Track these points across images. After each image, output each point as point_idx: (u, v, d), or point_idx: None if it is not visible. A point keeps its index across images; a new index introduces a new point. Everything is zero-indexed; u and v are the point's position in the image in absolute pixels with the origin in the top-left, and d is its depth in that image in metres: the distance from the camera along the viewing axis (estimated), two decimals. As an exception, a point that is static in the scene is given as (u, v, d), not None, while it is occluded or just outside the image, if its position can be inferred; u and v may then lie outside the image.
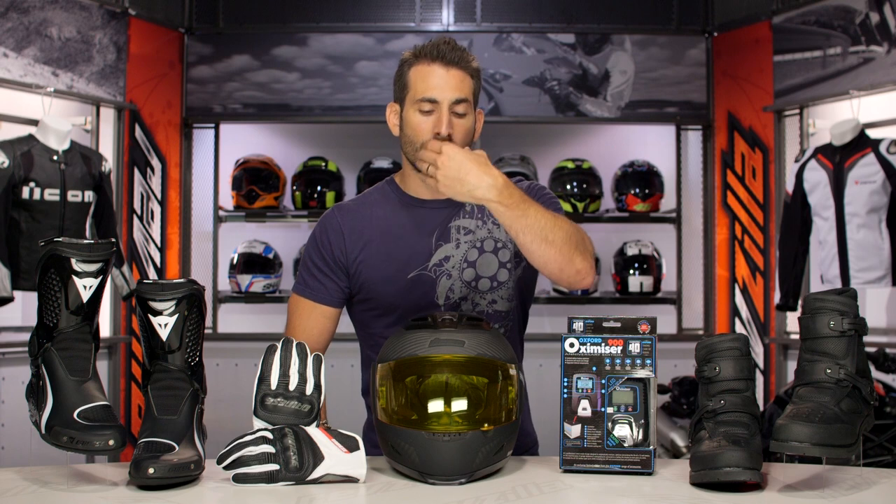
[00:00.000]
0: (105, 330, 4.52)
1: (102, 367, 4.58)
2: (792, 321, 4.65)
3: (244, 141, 5.26)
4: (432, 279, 1.96)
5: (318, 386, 1.63)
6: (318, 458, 1.53)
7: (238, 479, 1.52)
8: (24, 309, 4.16)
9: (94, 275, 1.58)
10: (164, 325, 1.59)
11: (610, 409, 1.63)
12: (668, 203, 5.14)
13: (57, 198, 3.91)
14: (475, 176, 1.73)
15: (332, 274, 2.00)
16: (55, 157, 3.93)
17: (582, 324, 1.68)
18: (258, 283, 4.99)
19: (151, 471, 1.45)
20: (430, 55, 1.92)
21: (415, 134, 1.93)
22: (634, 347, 1.64)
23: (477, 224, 2.00)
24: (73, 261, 1.56)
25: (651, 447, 1.61)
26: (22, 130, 4.00)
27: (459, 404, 1.61)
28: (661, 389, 4.20)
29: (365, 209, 2.04)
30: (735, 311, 4.98)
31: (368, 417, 2.08)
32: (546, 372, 4.04)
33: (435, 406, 1.61)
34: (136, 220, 4.83)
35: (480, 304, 1.98)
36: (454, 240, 1.98)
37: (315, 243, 2.03)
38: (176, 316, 1.59)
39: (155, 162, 4.94)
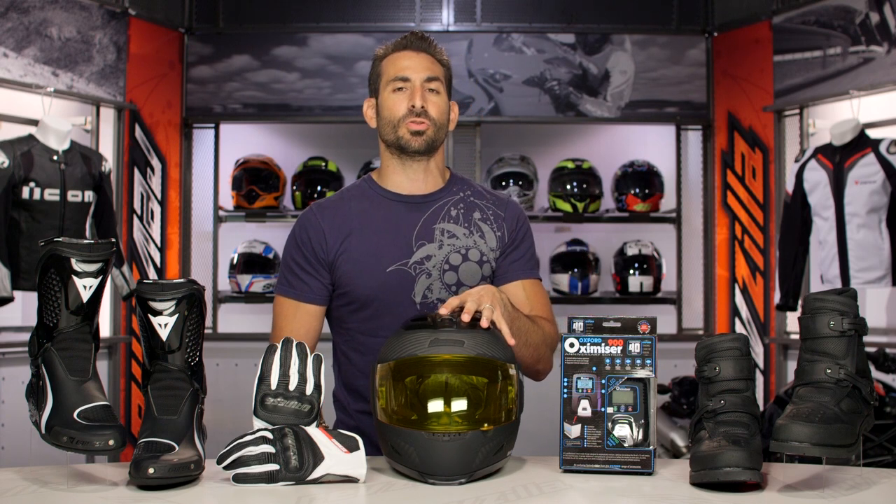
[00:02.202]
0: (105, 330, 4.52)
1: (102, 367, 4.58)
2: (792, 321, 4.64)
3: (244, 141, 5.26)
4: (411, 276, 1.97)
5: (318, 386, 1.63)
6: (318, 458, 1.53)
7: (238, 479, 1.51)
8: (24, 309, 4.16)
9: (94, 275, 1.58)
10: (164, 325, 1.59)
11: (610, 409, 1.63)
12: (668, 203, 5.14)
13: (57, 198, 3.91)
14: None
15: (313, 272, 1.99)
16: (55, 157, 3.93)
17: (582, 324, 1.68)
18: (258, 283, 4.99)
19: (151, 471, 1.45)
20: (400, 45, 2.02)
21: (391, 112, 1.98)
22: (634, 347, 1.64)
23: (464, 232, 2.01)
24: (73, 261, 1.56)
25: (651, 447, 1.61)
26: (22, 130, 4.00)
27: (459, 404, 1.61)
28: (661, 389, 4.20)
29: (344, 204, 2.05)
30: (735, 311, 4.98)
31: (338, 417, 2.08)
32: (546, 372, 4.03)
33: (435, 406, 1.61)
34: (136, 220, 4.83)
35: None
36: (437, 240, 1.99)
37: (295, 242, 2.03)
38: (176, 316, 1.59)
39: (155, 162, 4.94)
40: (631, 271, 5.01)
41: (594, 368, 1.64)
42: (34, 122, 4.02)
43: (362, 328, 1.97)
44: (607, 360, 1.64)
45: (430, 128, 1.97)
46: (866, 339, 1.62)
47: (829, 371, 1.53)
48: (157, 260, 4.95)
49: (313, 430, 1.57)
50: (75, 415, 1.49)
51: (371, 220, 2.00)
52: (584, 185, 5.04)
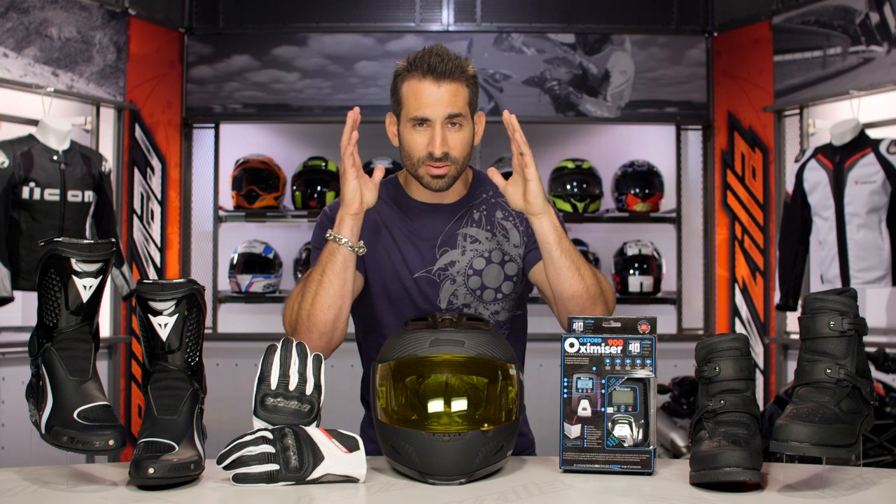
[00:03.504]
0: (105, 330, 4.52)
1: (102, 367, 4.58)
2: (792, 321, 4.64)
3: (244, 141, 5.26)
4: (436, 282, 1.99)
5: (318, 386, 1.63)
6: (318, 458, 1.53)
7: (238, 479, 1.52)
8: (24, 309, 4.16)
9: (94, 275, 1.58)
10: (164, 325, 1.59)
11: (610, 409, 1.63)
12: (668, 203, 5.14)
13: (57, 198, 3.91)
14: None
15: None
16: (55, 157, 3.93)
17: (582, 324, 1.68)
18: (258, 283, 4.99)
19: (151, 471, 1.45)
20: (421, 69, 1.88)
21: (411, 150, 1.92)
22: (634, 347, 1.64)
23: (486, 235, 2.02)
24: (73, 261, 1.56)
25: (651, 447, 1.61)
26: (22, 130, 3.99)
27: (459, 404, 1.61)
28: (661, 389, 4.20)
29: (376, 204, 2.03)
30: (735, 311, 4.98)
31: (366, 415, 2.09)
32: (546, 372, 4.04)
33: (435, 406, 1.61)
34: (136, 220, 4.83)
35: (484, 314, 2.00)
36: (460, 246, 2.00)
37: (327, 220, 1.97)
38: (176, 316, 1.59)
39: (155, 162, 4.94)
40: (631, 271, 5.01)
41: (594, 368, 1.64)
42: (34, 122, 4.02)
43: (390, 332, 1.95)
44: (607, 360, 1.64)
45: (451, 169, 1.92)
46: (866, 339, 1.62)
47: (829, 371, 1.53)
48: (157, 260, 4.95)
49: (313, 430, 1.57)
50: (75, 415, 1.49)
51: (395, 227, 2.01)
52: (584, 185, 5.04)
